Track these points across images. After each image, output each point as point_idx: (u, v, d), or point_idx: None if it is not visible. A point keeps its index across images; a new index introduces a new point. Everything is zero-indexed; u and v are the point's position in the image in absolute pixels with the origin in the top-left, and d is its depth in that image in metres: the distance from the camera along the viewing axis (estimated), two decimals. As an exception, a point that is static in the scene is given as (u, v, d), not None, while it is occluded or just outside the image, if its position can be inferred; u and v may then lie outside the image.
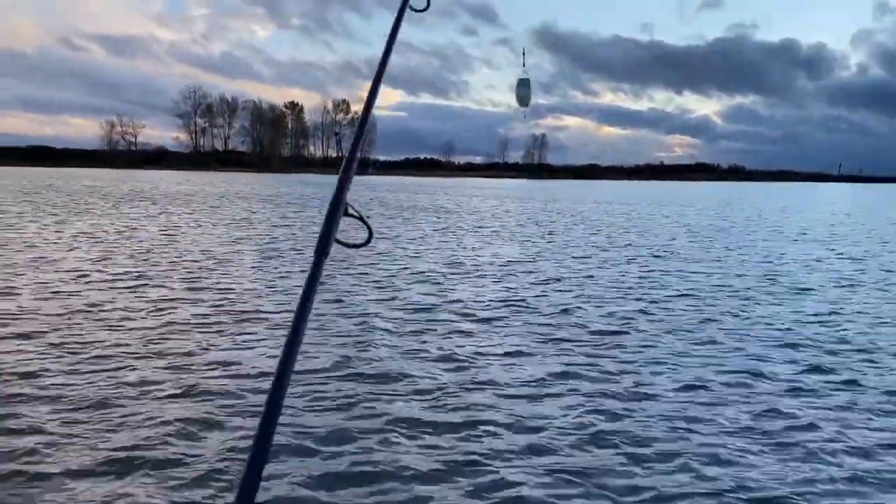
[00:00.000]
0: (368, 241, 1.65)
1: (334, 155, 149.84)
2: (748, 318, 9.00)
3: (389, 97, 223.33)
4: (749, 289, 11.32)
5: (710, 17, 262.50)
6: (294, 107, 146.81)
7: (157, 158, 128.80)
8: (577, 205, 40.49)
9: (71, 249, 14.31)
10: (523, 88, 3.78)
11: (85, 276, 11.02)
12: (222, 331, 7.69)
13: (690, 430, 5.04)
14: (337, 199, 1.55)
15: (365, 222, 1.57)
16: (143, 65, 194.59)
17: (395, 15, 1.88)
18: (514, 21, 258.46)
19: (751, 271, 13.44)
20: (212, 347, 6.97)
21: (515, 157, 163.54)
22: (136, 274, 11.35)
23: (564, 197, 52.63)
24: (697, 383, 6.20)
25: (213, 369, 6.23)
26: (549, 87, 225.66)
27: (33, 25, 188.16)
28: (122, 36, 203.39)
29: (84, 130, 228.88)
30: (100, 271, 11.51)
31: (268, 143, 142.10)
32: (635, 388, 6.01)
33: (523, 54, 4.01)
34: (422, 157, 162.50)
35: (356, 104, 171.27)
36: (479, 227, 22.92)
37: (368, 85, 1.90)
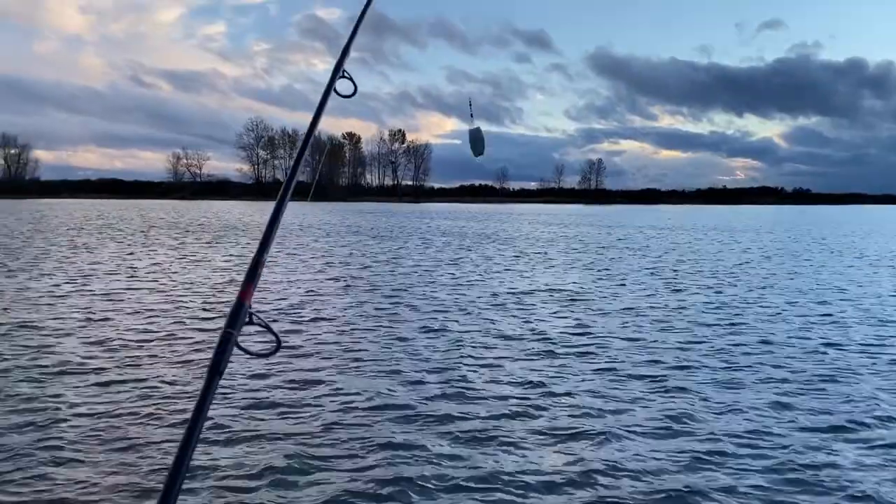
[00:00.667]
0: (276, 350, 1.51)
1: (390, 183, 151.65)
2: (837, 349, 8.45)
3: (444, 125, 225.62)
4: (832, 316, 10.71)
5: (770, 37, 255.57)
6: (352, 137, 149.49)
7: (221, 189, 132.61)
8: (639, 231, 39.67)
9: (133, 279, 14.62)
10: (477, 143, 3.64)
11: (152, 309, 11.19)
12: (289, 363, 7.60)
13: (784, 469, 4.65)
14: (238, 306, 1.43)
15: (271, 331, 1.46)
16: (207, 99, 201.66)
17: (320, 100, 1.95)
18: (568, 47, 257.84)
19: (834, 299, 12.75)
20: (279, 384, 6.86)
21: (571, 182, 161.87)
22: (201, 305, 11.47)
23: (624, 223, 51.71)
24: (781, 419, 5.79)
25: (275, 403, 6.11)
26: (606, 111, 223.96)
27: (104, 64, 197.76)
28: (187, 72, 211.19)
29: (152, 163, 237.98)
30: (166, 303, 11.68)
31: (326, 172, 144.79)
32: (723, 427, 5.63)
33: (469, 104, 3.91)
34: (476, 183, 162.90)
35: (412, 133, 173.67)
36: (540, 255, 22.56)
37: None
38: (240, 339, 1.41)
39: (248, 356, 1.45)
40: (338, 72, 2.04)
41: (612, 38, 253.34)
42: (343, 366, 7.57)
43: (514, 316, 10.78)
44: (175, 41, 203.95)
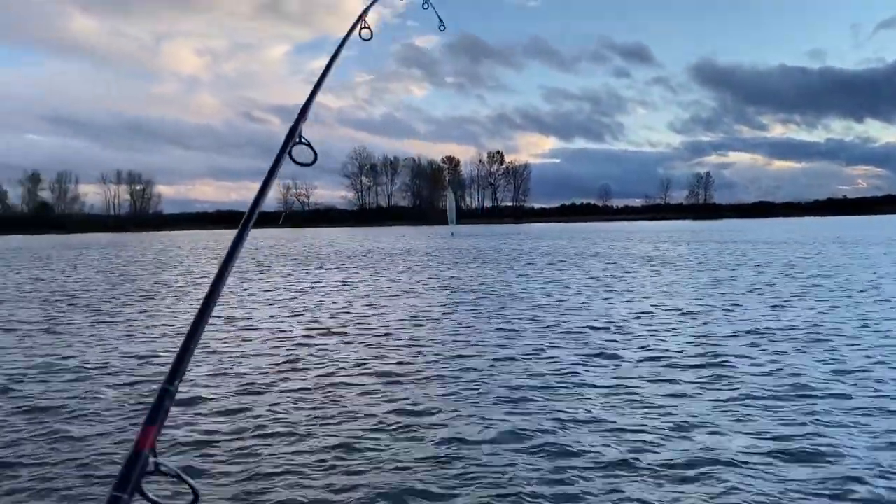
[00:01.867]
0: (195, 501, 1.21)
1: (489, 205, 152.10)
2: None
3: (542, 144, 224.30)
4: None
5: (889, 36, 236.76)
6: (451, 161, 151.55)
7: (328, 217, 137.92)
8: (756, 245, 37.55)
9: (249, 306, 15.07)
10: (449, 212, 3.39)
11: (272, 334, 11.45)
12: (407, 388, 7.46)
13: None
14: (133, 458, 1.13)
15: (186, 481, 1.18)
16: (313, 131, 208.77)
17: (270, 167, 1.78)
18: (668, 59, 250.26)
19: None
20: (395, 401, 6.72)
21: (678, 197, 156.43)
22: (324, 330, 11.63)
23: (739, 238, 49.23)
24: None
25: (398, 427, 5.95)
26: (712, 123, 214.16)
27: (218, 103, 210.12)
28: (295, 106, 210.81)
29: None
30: (285, 328, 11.91)
31: (427, 196, 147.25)
32: (859, 461, 5.03)
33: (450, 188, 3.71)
34: (578, 202, 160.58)
35: (510, 154, 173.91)
36: (652, 274, 21.65)
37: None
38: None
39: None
40: (292, 137, 1.84)
41: (715, 48, 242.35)
42: (455, 392, 7.36)
43: (621, 339, 10.25)
44: (283, 77, 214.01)
